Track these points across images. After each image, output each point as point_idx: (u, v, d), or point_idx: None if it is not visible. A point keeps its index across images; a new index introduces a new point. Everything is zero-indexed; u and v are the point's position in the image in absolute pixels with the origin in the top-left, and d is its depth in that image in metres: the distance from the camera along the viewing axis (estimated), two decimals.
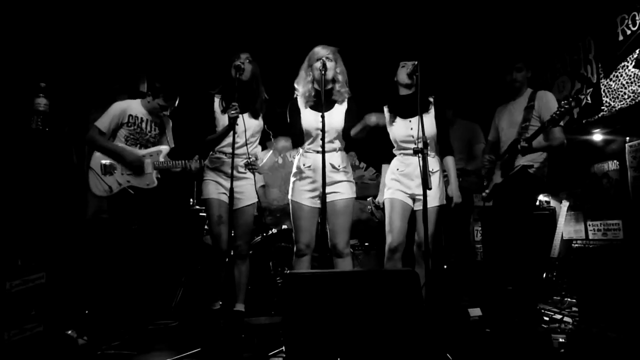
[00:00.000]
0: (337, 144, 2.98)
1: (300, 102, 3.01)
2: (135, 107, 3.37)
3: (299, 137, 3.01)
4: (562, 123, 3.24)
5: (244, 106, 3.05)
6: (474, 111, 4.49)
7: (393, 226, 2.97)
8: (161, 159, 3.36)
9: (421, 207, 2.89)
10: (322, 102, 2.73)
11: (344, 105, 3.00)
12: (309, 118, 2.96)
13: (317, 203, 2.93)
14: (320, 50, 2.92)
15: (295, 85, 3.03)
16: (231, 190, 2.79)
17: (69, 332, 2.88)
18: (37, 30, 3.80)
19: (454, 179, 3.05)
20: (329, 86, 2.94)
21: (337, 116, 2.94)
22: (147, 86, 4.49)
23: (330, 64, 2.87)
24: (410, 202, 3.02)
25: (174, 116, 3.60)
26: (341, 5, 4.51)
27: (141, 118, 3.35)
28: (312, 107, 2.98)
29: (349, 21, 4.70)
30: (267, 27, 4.73)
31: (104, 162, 3.22)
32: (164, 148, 3.42)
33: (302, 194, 2.94)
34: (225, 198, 3.08)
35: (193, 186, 4.58)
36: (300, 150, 3.04)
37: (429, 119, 2.99)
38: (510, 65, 3.43)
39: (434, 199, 2.90)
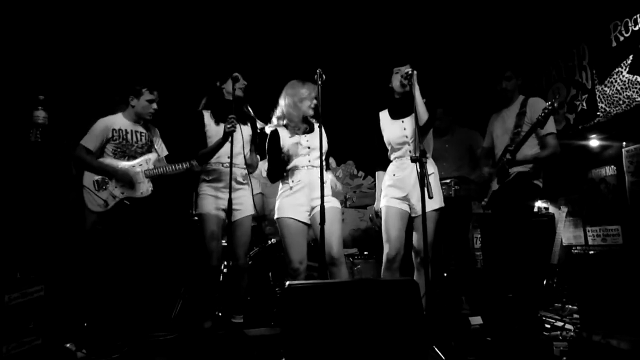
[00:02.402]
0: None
1: (282, 132, 3.03)
2: (118, 120, 3.31)
3: (279, 169, 3.03)
4: (554, 130, 3.26)
5: (238, 118, 3.09)
6: (473, 118, 4.50)
7: (390, 235, 2.96)
8: (151, 166, 3.31)
9: (418, 214, 2.94)
10: (303, 126, 2.99)
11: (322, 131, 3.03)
12: (292, 141, 2.99)
13: (306, 218, 2.95)
14: (309, 90, 3.00)
15: (276, 120, 3.07)
16: (229, 201, 2.80)
17: (68, 345, 2.85)
18: (37, 42, 3.82)
19: None
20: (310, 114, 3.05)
21: (315, 137, 2.93)
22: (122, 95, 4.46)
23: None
24: (407, 208, 3.02)
25: (165, 136, 3.60)
26: (337, 14, 4.56)
27: (125, 130, 3.30)
28: (293, 132, 3.03)
29: (343, 30, 4.75)
30: (260, 38, 4.79)
31: (95, 178, 3.20)
32: (153, 156, 3.37)
33: (291, 209, 2.93)
34: (222, 213, 3.10)
35: (192, 197, 4.58)
36: (287, 168, 3.05)
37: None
38: (500, 75, 3.46)
39: (433, 202, 2.86)
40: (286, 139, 3.02)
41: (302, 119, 3.02)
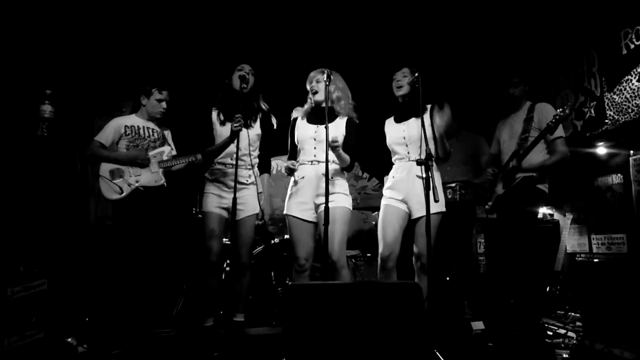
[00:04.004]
0: (332, 156, 2.91)
1: (299, 120, 3.08)
2: (131, 119, 3.39)
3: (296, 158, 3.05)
4: (563, 134, 3.24)
5: (245, 116, 3.09)
6: (479, 123, 4.49)
7: (384, 234, 2.95)
8: (165, 157, 3.35)
9: (418, 216, 2.93)
10: (318, 115, 2.91)
11: (343, 123, 3.02)
12: (304, 129, 3.01)
13: (312, 217, 2.95)
14: (312, 74, 3.03)
15: (295, 112, 3.13)
16: (234, 201, 2.80)
17: (69, 339, 2.86)
18: (43, 37, 3.84)
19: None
20: (323, 104, 2.97)
21: (333, 129, 2.91)
22: (128, 89, 4.48)
23: (320, 85, 2.94)
24: (404, 208, 3.00)
25: (173, 131, 3.61)
26: (346, 20, 4.56)
27: (137, 126, 3.36)
28: (308, 121, 3.03)
29: (352, 35, 4.75)
30: (268, 40, 4.79)
31: (111, 168, 3.23)
32: (166, 149, 3.41)
33: (297, 207, 2.94)
34: (224, 212, 3.11)
35: (196, 195, 4.59)
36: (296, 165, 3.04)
37: (425, 122, 2.97)
38: (507, 81, 3.45)
39: (434, 206, 2.77)
40: (299, 128, 3.05)
41: (312, 102, 3.03)
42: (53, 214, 3.50)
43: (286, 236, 4.64)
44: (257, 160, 3.29)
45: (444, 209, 3.00)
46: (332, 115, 2.99)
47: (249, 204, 3.17)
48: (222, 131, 3.14)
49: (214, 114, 3.23)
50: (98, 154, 3.25)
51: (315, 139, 2.97)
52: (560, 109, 3.04)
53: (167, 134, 3.53)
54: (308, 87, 3.06)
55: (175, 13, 4.41)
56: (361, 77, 4.96)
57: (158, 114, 3.41)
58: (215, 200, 3.14)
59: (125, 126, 3.32)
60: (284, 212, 3.02)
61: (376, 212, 3.23)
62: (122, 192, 3.19)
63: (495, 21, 4.56)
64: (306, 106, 3.09)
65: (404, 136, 3.03)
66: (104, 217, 3.95)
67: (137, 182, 3.24)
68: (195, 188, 4.50)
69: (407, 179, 2.98)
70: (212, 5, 4.36)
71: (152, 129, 3.41)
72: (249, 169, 3.19)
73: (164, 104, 3.40)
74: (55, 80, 3.70)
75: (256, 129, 3.24)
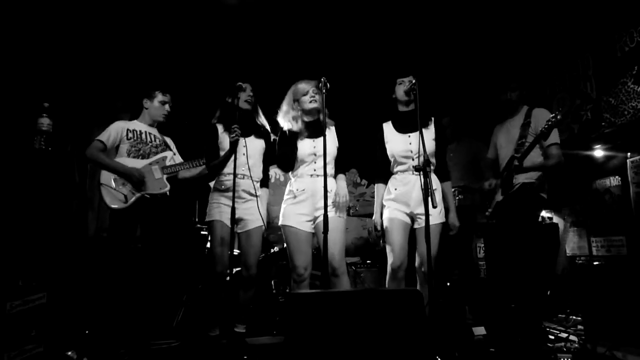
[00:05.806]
0: (330, 169, 2.95)
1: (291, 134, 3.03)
2: (133, 124, 3.34)
3: (288, 164, 3.01)
4: (558, 141, 3.25)
5: (248, 129, 3.13)
6: (478, 129, 4.50)
7: (394, 246, 2.95)
8: (167, 163, 3.30)
9: (421, 226, 2.92)
10: (313, 130, 2.93)
11: (333, 132, 3.06)
12: (303, 146, 2.98)
13: (310, 228, 2.95)
14: (306, 85, 3.00)
15: (281, 121, 3.06)
16: (233, 209, 2.80)
17: (69, 353, 2.85)
18: (40, 50, 3.84)
19: (453, 207, 3.06)
20: (316, 117, 3.01)
21: (329, 142, 2.87)
22: (125, 101, 4.48)
23: (318, 97, 2.94)
24: (408, 220, 3.01)
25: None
26: (342, 25, 4.58)
27: (140, 131, 3.31)
28: (304, 137, 3.01)
29: (348, 40, 4.77)
30: (266, 46, 4.81)
31: (114, 176, 3.15)
32: (169, 154, 3.36)
33: (296, 218, 2.92)
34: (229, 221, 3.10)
35: (195, 204, 4.59)
36: (291, 176, 3.05)
37: (429, 135, 3.00)
38: (504, 86, 3.46)
39: (436, 216, 2.88)
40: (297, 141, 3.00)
41: (304, 118, 3.00)
42: (51, 227, 3.49)
43: (285, 245, 4.62)
44: (261, 174, 3.30)
45: (444, 220, 3.00)
46: (321, 129, 2.90)
47: (256, 215, 3.16)
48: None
49: (220, 128, 3.23)
50: (97, 158, 3.13)
51: (315, 154, 2.96)
52: (553, 115, 3.06)
53: (169, 141, 3.49)
54: (304, 98, 2.98)
55: (172, 25, 4.42)
56: (356, 82, 5.01)
57: (161, 117, 3.36)
58: (224, 210, 3.10)
59: (128, 130, 3.26)
60: (280, 222, 2.99)
61: (369, 220, 3.22)
62: (126, 201, 3.12)
63: (491, 27, 4.59)
64: (297, 124, 2.99)
65: (410, 149, 2.99)
66: (102, 228, 3.93)
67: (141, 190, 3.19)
68: (194, 197, 4.50)
69: (412, 191, 2.97)
70: (204, 17, 4.38)
71: (154, 135, 3.37)
72: (257, 181, 3.19)
73: (167, 107, 3.37)
74: (52, 92, 3.70)
75: (261, 143, 3.27)
